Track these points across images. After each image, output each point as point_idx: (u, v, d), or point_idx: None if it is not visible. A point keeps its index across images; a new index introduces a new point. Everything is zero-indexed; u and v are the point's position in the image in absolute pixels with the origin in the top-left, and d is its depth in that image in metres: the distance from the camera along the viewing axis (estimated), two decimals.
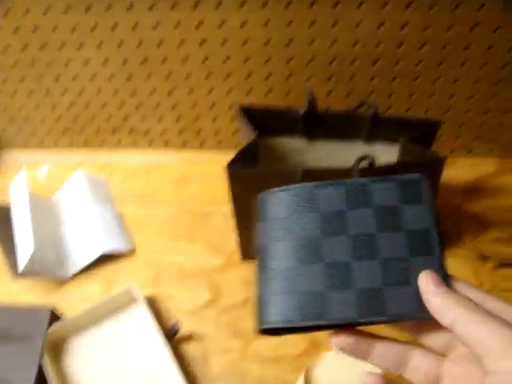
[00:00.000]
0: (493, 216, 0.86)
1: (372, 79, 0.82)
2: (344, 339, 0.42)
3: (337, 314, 0.41)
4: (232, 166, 0.66)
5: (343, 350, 0.42)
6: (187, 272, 0.82)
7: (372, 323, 0.42)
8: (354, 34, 0.77)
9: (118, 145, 0.99)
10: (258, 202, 0.48)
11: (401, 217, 0.44)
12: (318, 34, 0.77)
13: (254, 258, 0.80)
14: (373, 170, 0.64)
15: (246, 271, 0.81)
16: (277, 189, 0.46)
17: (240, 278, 0.81)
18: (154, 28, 0.78)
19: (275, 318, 0.42)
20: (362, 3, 0.73)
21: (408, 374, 0.42)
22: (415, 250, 0.43)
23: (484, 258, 0.81)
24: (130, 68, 0.84)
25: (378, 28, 0.75)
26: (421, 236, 0.44)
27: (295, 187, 0.46)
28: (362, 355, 0.42)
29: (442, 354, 0.42)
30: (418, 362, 0.42)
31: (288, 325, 0.42)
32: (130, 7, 0.76)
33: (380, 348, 0.42)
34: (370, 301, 0.42)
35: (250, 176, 0.66)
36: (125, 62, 0.83)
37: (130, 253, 0.85)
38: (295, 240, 0.44)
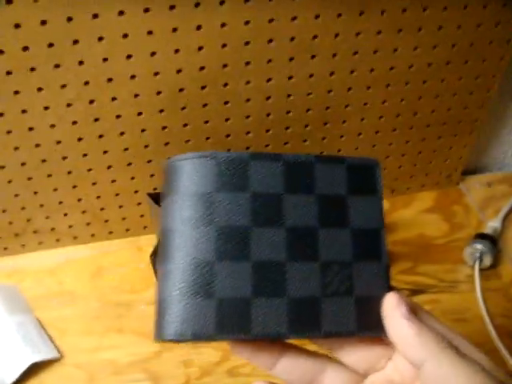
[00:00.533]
0: (394, 250, 0.94)
1: (267, 146, 0.88)
2: (240, 352, 0.37)
3: (263, 329, 0.35)
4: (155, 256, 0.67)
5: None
6: (122, 366, 0.80)
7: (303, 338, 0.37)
8: (245, 109, 0.82)
9: (24, 248, 0.96)
10: (167, 169, 0.38)
11: (348, 210, 0.37)
12: (212, 113, 0.81)
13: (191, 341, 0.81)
14: None
15: (183, 352, 0.81)
16: (199, 153, 0.37)
17: (177, 360, 0.80)
18: (51, 127, 0.78)
19: (182, 327, 0.35)
20: (249, 82, 0.78)
21: None
22: (360, 253, 0.37)
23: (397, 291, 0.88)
24: (28, 170, 0.83)
25: (267, 99, 0.81)
26: (368, 237, 0.38)
27: (226, 155, 0.37)
28: (265, 367, 0.38)
29: (361, 375, 0.38)
30: (331, 381, 0.38)
31: (199, 339, 0.35)
32: (24, 112, 0.76)
33: (285, 362, 0.37)
34: (304, 313, 0.35)
35: None
36: (23, 164, 0.82)
37: (57, 359, 0.82)
38: (216, 226, 0.35)
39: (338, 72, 0.80)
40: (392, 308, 0.36)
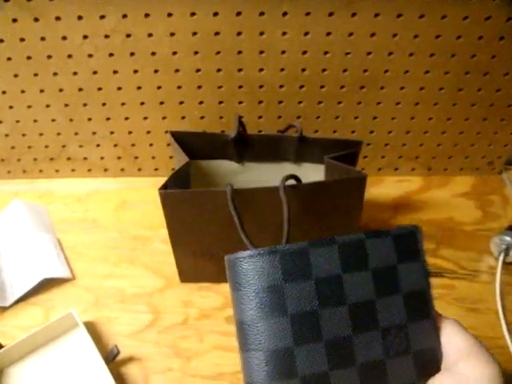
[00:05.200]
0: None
1: (299, 103, 0.87)
2: None
3: None
4: (164, 189, 0.68)
5: None
6: (128, 295, 0.83)
7: None
8: (280, 61, 0.81)
9: (57, 173, 1.00)
10: (232, 266, 0.41)
11: (398, 277, 0.41)
12: (246, 61, 0.81)
13: (193, 280, 0.82)
14: (299, 188, 0.68)
15: (186, 292, 0.83)
16: (260, 251, 0.40)
17: (179, 298, 0.82)
18: (90, 57, 0.80)
19: None
20: (285, 33, 0.77)
21: None
22: (413, 313, 0.41)
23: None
24: (66, 97, 0.86)
25: (303, 54, 0.80)
26: (417, 297, 0.41)
27: (286, 248, 0.40)
28: None
29: None
30: None
31: None
32: (64, 39, 0.78)
33: None
34: (373, 375, 0.39)
35: (182, 198, 0.69)
36: (61, 90, 0.85)
37: (69, 279, 0.86)
38: (290, 314, 0.39)
39: (379, 34, 0.77)
40: None
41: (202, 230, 0.73)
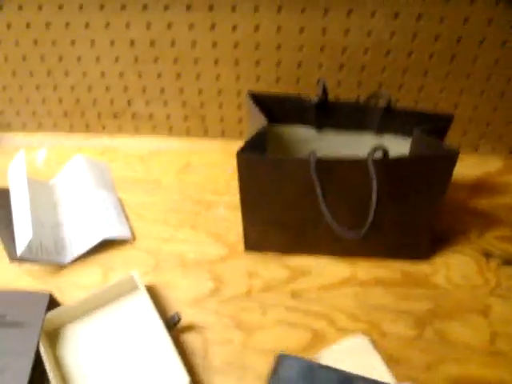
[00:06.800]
0: (498, 214, 0.86)
1: (383, 70, 0.81)
2: None
3: None
4: (243, 153, 0.64)
5: None
6: (189, 261, 0.80)
7: None
8: (368, 24, 0.75)
9: (120, 130, 0.97)
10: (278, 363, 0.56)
11: None
12: (332, 22, 0.75)
13: (258, 250, 0.79)
14: (386, 162, 0.63)
15: (250, 263, 0.80)
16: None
17: (243, 269, 0.79)
18: (164, 10, 0.76)
19: None
20: None
21: None
22: None
23: (488, 256, 0.80)
24: (136, 50, 0.82)
25: (394, 19, 0.74)
26: None
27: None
28: None
29: None
30: None
31: None
32: None
33: None
34: None
35: (261, 163, 0.64)
36: (132, 43, 0.81)
37: (129, 240, 0.83)
38: None
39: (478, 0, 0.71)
40: None
41: (277, 198, 0.69)
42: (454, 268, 0.78)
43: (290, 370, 0.55)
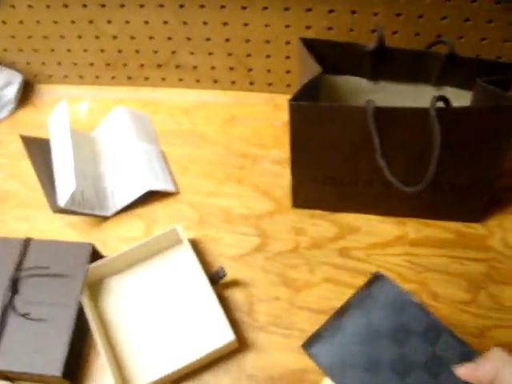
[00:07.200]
0: None
1: (443, 19, 0.76)
2: None
3: None
4: (295, 101, 0.61)
5: None
6: (233, 216, 0.78)
7: None
8: None
9: (164, 81, 0.94)
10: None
11: None
12: None
13: (306, 207, 0.76)
14: (449, 112, 0.59)
15: (297, 219, 0.77)
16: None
17: (289, 225, 0.76)
18: None
19: None
20: None
21: None
22: None
23: None
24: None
25: None
26: None
27: None
28: None
29: None
30: None
31: None
32: None
33: None
34: None
35: (314, 113, 0.61)
36: None
37: (173, 194, 0.82)
38: None
39: None
40: None
41: (329, 152, 0.66)
42: (510, 231, 0.74)
43: (383, 294, 0.53)
